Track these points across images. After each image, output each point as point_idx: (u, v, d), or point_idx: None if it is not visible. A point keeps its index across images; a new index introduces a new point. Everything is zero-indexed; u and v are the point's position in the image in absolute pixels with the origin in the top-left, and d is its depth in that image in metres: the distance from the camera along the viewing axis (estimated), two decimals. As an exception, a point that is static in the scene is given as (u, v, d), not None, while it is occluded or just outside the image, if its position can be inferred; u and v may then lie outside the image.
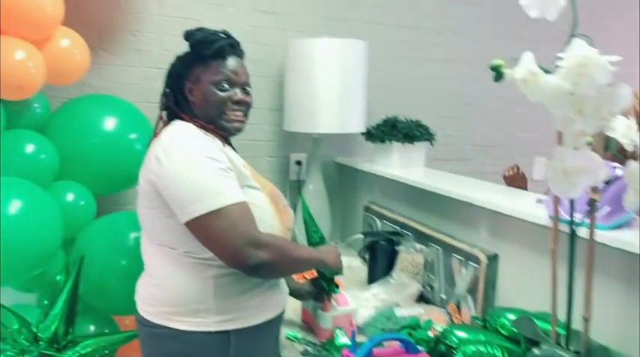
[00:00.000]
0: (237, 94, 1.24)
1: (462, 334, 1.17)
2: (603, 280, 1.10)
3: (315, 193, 2.21)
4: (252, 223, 1.09)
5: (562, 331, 1.02)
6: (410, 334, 1.40)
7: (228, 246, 1.05)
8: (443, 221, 1.72)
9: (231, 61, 1.25)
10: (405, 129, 2.12)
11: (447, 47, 2.66)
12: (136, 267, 1.25)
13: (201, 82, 1.22)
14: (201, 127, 1.21)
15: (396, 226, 1.92)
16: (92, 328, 1.68)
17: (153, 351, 1.18)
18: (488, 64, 0.91)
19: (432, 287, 1.70)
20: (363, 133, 2.23)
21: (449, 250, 1.60)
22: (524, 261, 1.38)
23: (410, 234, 1.83)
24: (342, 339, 1.37)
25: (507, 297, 1.43)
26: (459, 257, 1.55)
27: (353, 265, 2.09)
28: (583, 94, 0.89)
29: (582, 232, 1.00)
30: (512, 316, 1.18)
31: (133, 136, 1.77)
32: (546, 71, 0.93)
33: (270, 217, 1.18)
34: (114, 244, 1.61)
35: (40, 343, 1.41)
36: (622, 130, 0.95)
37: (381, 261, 1.81)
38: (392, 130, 2.13)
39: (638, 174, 0.92)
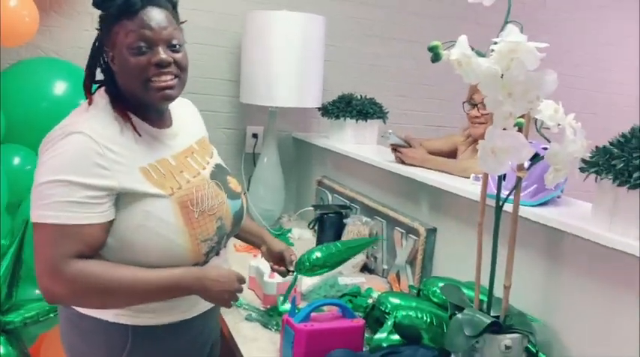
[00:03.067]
0: (160, 53, 1.00)
1: (395, 301, 1.24)
2: (526, 253, 1.19)
3: (269, 166, 2.24)
4: (67, 250, 0.94)
5: (486, 299, 1.11)
6: (350, 301, 1.48)
7: (36, 265, 0.96)
8: (387, 195, 1.78)
9: (147, 15, 0.99)
10: (359, 106, 2.17)
11: (407, 27, 2.71)
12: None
13: (117, 48, 1.01)
14: (116, 102, 1.04)
15: (346, 200, 1.98)
16: (36, 292, 1.67)
17: (64, 330, 1.14)
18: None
19: (375, 258, 1.77)
20: (319, 109, 2.27)
21: (392, 223, 1.68)
22: (460, 234, 1.47)
23: (357, 207, 1.90)
24: (286, 305, 1.42)
25: (443, 268, 1.52)
26: (401, 230, 1.62)
27: (304, 236, 2.15)
28: (512, 78, 0.95)
29: (509, 207, 1.07)
30: (442, 285, 1.25)
31: (82, 101, 1.75)
32: (481, 54, 0.99)
33: (174, 229, 1.01)
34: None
35: (-17, 305, 1.41)
36: (549, 114, 1.02)
37: (329, 232, 1.87)
38: (347, 107, 2.18)
39: (558, 154, 0.99)
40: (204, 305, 1.14)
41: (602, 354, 1.06)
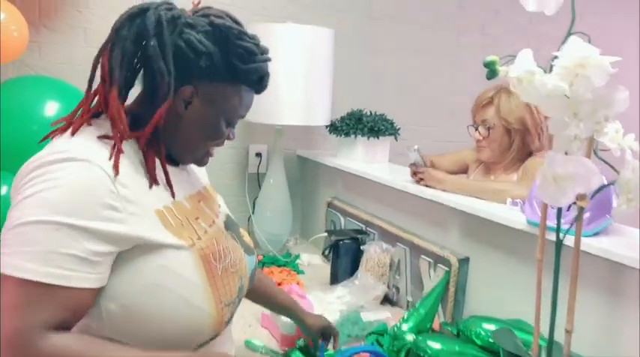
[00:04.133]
0: (234, 131, 0.94)
1: (435, 345, 1.11)
2: (584, 290, 1.06)
3: (276, 187, 2.10)
4: (46, 318, 0.70)
5: (541, 343, 0.98)
6: (377, 341, 1.34)
7: (1, 329, 0.69)
8: (410, 220, 1.65)
9: (253, 98, 0.92)
10: (370, 123, 2.05)
11: (412, 39, 2.60)
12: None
13: (212, 104, 0.85)
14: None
15: (361, 224, 1.85)
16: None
17: None
18: (483, 61, 0.83)
19: (397, 289, 1.64)
20: (326, 126, 2.14)
21: (417, 250, 1.54)
22: (496, 265, 1.34)
23: (375, 232, 1.76)
24: (306, 346, 1.28)
25: (477, 302, 1.39)
26: (428, 259, 1.49)
27: (314, 262, 2.01)
28: (578, 96, 0.84)
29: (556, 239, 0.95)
30: (488, 326, 1.13)
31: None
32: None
33: (196, 290, 0.80)
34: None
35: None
36: (611, 135, 0.90)
37: (345, 261, 1.73)
38: (357, 124, 2.06)
39: (630, 182, 0.87)
40: None
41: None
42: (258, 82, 0.90)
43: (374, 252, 1.66)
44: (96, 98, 0.84)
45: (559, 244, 0.94)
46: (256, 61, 0.87)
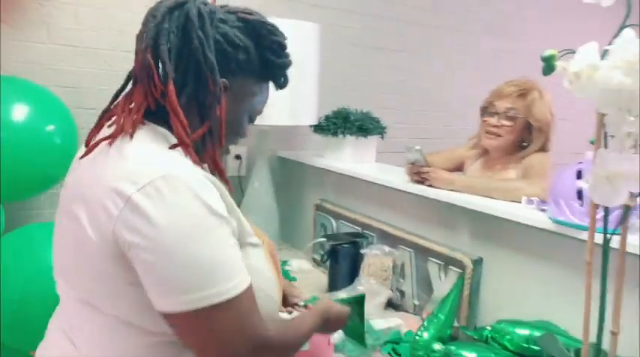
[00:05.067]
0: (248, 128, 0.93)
1: (471, 355, 1.06)
2: (627, 291, 1.04)
3: (261, 190, 2.01)
4: (259, 314, 0.75)
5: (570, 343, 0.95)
6: (394, 350, 1.28)
7: (228, 350, 0.72)
8: (413, 221, 1.60)
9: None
10: (358, 121, 1.98)
11: (390, 35, 2.56)
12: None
13: (237, 100, 0.84)
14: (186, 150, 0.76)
15: (356, 227, 1.78)
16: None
17: None
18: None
19: (401, 292, 1.58)
20: (311, 126, 2.06)
21: (423, 253, 1.49)
22: (513, 265, 1.31)
23: (373, 235, 1.70)
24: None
25: (492, 305, 1.35)
26: (437, 261, 1.44)
27: (304, 267, 1.93)
28: (633, 92, 0.80)
29: (600, 239, 0.92)
30: (520, 331, 1.09)
31: (50, 127, 1.46)
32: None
33: (271, 284, 0.84)
34: (32, 264, 1.30)
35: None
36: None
37: (344, 266, 1.66)
38: (345, 123, 1.99)
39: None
40: None
41: None
42: (284, 76, 0.92)
43: (375, 256, 1.59)
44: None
45: (606, 244, 0.91)
46: (287, 55, 0.91)
